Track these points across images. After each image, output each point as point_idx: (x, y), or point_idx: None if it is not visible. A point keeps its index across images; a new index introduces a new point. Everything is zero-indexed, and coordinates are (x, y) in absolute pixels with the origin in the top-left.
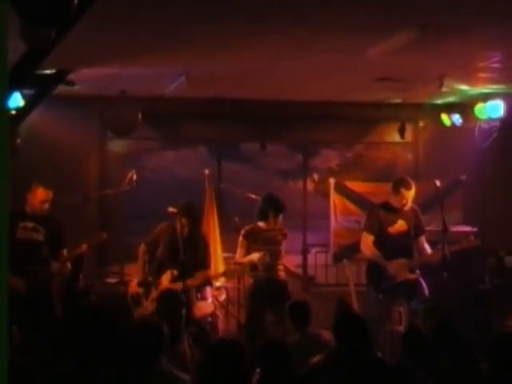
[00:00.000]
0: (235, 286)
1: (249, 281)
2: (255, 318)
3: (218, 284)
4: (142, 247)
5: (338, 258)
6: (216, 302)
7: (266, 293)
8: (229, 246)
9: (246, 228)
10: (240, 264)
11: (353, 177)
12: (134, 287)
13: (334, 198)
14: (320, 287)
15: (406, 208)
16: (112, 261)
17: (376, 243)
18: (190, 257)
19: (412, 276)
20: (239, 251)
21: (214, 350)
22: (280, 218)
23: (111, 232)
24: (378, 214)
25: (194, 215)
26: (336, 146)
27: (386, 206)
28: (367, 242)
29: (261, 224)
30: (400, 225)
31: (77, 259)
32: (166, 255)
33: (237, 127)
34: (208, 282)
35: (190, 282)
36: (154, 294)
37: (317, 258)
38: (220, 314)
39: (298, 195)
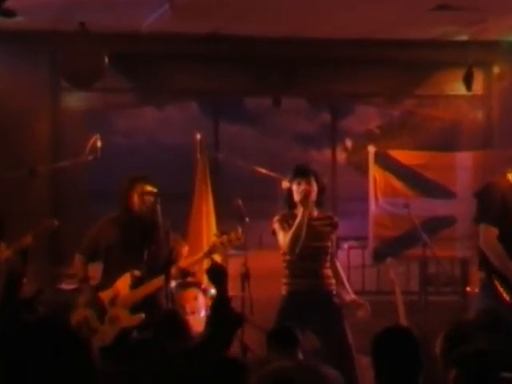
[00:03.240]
0: (238, 295)
1: (282, 290)
2: None
3: (213, 291)
4: (78, 260)
5: (379, 256)
6: None
7: (304, 309)
8: None
9: (280, 214)
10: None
11: (400, 144)
12: (79, 312)
13: (375, 172)
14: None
15: None
16: (68, 258)
17: (500, 239)
18: (156, 248)
19: None
20: (282, 234)
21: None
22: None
23: (67, 219)
24: (504, 195)
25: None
26: (377, 101)
27: None
28: (491, 237)
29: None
30: None
31: (19, 256)
32: (119, 252)
33: (240, 75)
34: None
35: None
36: (112, 311)
37: (350, 256)
38: None
39: (325, 169)
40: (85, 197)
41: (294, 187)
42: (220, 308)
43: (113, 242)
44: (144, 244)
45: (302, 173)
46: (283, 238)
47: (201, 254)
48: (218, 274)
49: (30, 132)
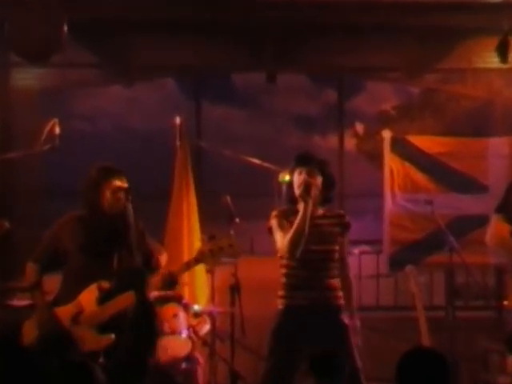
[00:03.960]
0: (226, 311)
1: (278, 304)
2: (279, 372)
3: (196, 308)
4: (31, 268)
5: (396, 264)
6: (195, 338)
7: (304, 327)
8: None
9: (279, 209)
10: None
11: (421, 128)
12: (30, 331)
13: (391, 162)
14: (368, 312)
15: None
16: (19, 269)
17: None
18: (129, 255)
19: None
20: (280, 234)
21: None
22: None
23: (18, 221)
24: None
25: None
26: (392, 77)
27: None
28: (502, 231)
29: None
30: None
31: None
32: (83, 259)
33: (226, 46)
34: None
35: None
36: (75, 331)
37: (362, 264)
38: (201, 358)
39: (331, 158)
40: (40, 194)
41: (295, 178)
42: (139, 317)
43: (75, 247)
44: (113, 249)
45: (302, 161)
46: (281, 239)
47: (183, 264)
48: (136, 276)
49: None
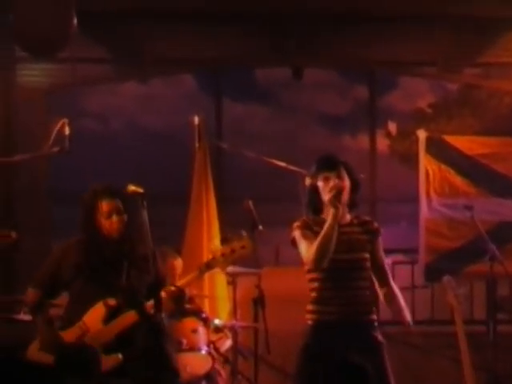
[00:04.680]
0: (250, 326)
1: (307, 319)
2: None
3: (217, 322)
4: (32, 294)
5: (433, 274)
6: (215, 355)
7: (336, 345)
8: None
9: (301, 219)
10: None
11: (460, 126)
12: (34, 350)
13: (427, 164)
14: (402, 326)
15: None
16: (25, 282)
17: None
18: (139, 270)
19: None
20: (305, 244)
21: None
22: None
23: (26, 229)
24: None
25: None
26: (428, 72)
27: None
28: None
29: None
30: None
31: None
32: (87, 277)
33: (249, 39)
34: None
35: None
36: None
37: (396, 274)
38: (223, 375)
39: (361, 160)
40: (46, 200)
41: (320, 185)
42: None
43: (79, 267)
44: (120, 269)
45: (329, 165)
46: (307, 249)
47: (196, 271)
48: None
49: None
